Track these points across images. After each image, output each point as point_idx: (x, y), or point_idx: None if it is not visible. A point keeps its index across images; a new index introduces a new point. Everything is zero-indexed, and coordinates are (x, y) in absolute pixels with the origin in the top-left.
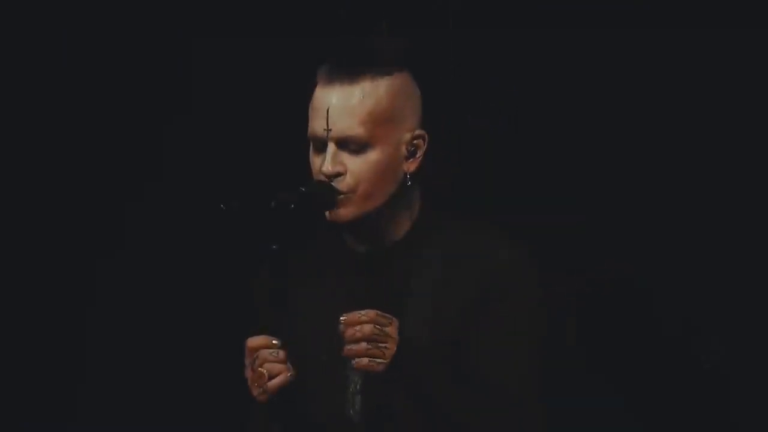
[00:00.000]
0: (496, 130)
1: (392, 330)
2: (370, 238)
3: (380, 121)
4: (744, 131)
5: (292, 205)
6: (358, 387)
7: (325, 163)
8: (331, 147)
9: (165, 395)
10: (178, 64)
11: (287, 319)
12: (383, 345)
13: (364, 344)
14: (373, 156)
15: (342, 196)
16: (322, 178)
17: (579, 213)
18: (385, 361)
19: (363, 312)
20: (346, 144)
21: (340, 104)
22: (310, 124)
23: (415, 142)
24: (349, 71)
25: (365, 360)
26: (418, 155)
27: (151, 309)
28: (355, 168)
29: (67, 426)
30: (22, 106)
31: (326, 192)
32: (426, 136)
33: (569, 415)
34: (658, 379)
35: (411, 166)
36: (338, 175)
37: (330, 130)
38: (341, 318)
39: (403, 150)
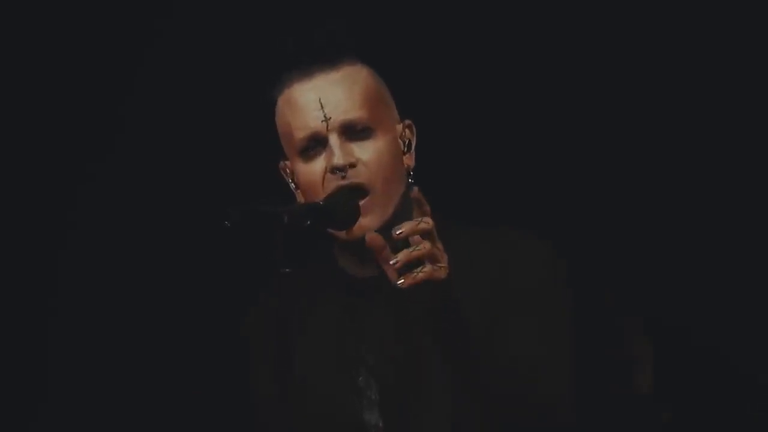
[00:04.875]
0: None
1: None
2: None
3: (375, 103)
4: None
5: (308, 222)
6: (380, 424)
7: (335, 157)
8: (335, 139)
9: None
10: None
11: (296, 356)
12: (438, 249)
13: (427, 244)
14: (379, 144)
15: (363, 200)
16: (331, 180)
17: (579, 215)
18: (445, 265)
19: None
20: (350, 130)
21: (332, 91)
22: (295, 129)
23: (406, 131)
24: (327, 59)
25: (428, 267)
26: (412, 148)
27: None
28: (365, 157)
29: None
30: None
31: (346, 204)
32: (413, 125)
33: None
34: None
35: (409, 160)
36: (351, 166)
37: (329, 118)
38: (396, 232)
39: (399, 143)
